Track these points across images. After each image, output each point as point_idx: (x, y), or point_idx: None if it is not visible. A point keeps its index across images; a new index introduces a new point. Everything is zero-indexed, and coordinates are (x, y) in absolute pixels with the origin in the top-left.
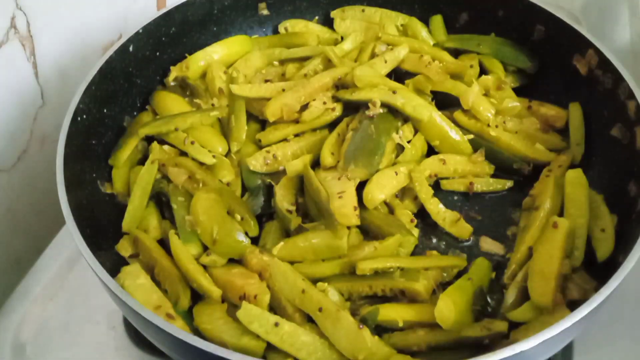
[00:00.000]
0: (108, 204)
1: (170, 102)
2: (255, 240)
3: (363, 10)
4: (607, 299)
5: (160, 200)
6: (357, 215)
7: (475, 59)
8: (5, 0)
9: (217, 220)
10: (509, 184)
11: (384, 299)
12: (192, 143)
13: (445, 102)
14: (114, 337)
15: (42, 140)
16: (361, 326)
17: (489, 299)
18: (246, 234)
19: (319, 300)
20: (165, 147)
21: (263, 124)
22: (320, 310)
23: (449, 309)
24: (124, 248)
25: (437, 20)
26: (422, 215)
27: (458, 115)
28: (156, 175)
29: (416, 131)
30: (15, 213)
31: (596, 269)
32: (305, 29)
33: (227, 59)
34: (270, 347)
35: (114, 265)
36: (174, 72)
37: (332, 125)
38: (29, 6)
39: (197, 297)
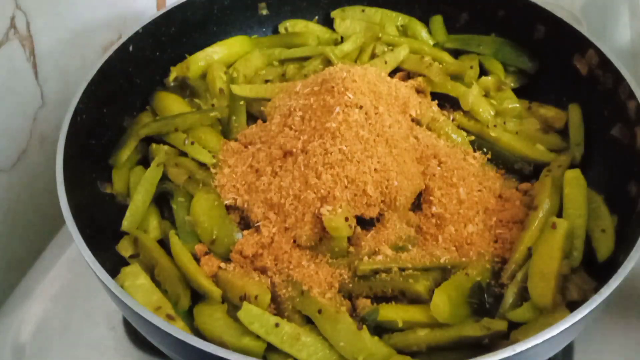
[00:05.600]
0: (108, 204)
1: (170, 102)
2: None
3: (363, 11)
4: (607, 299)
5: (160, 201)
6: (349, 226)
7: (475, 60)
8: (5, 0)
9: (216, 220)
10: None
11: (384, 299)
12: (192, 143)
13: (445, 103)
14: (113, 337)
15: (42, 140)
16: (360, 327)
17: (486, 295)
18: None
19: (318, 301)
20: (165, 147)
21: None
22: (319, 312)
23: (444, 302)
24: (124, 248)
25: (437, 21)
26: None
27: (458, 116)
28: None
29: None
30: (15, 213)
31: (596, 269)
32: (305, 29)
33: (227, 59)
34: (270, 347)
35: (114, 265)
36: (175, 72)
37: None
38: (28, 6)
39: (198, 297)
